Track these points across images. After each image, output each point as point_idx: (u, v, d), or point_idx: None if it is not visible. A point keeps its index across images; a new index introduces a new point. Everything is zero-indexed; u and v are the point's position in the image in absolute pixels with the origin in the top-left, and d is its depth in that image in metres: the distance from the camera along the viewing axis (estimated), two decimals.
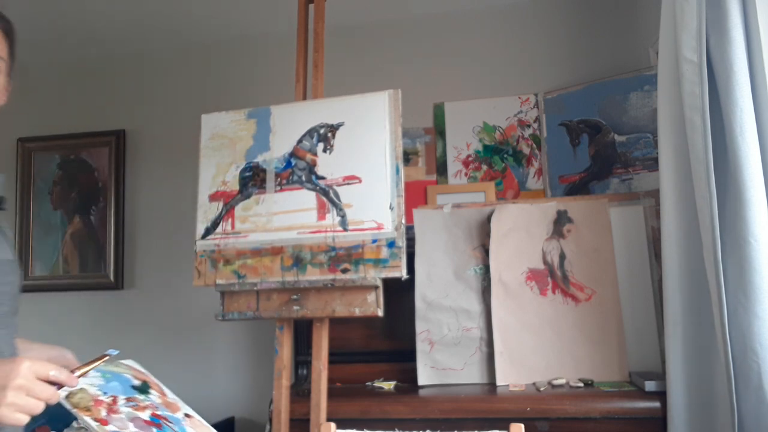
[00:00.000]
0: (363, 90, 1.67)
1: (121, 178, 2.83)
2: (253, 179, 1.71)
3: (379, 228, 1.56)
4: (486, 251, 1.89)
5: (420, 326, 1.87)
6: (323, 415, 1.58)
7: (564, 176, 2.41)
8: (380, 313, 1.55)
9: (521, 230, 1.89)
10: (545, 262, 1.86)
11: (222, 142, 1.76)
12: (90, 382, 1.02)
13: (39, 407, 0.87)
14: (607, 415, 1.57)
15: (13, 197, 2.89)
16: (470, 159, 2.52)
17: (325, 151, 1.66)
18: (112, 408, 1.00)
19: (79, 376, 0.97)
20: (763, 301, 1.27)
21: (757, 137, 1.29)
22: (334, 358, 1.85)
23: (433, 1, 2.58)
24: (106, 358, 1.07)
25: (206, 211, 1.73)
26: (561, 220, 1.89)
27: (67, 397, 0.96)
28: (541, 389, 1.67)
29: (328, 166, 1.64)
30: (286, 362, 1.65)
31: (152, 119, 2.85)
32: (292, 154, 1.68)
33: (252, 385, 2.57)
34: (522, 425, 1.22)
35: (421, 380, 1.82)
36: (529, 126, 2.50)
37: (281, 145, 1.70)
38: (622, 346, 1.75)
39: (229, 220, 1.68)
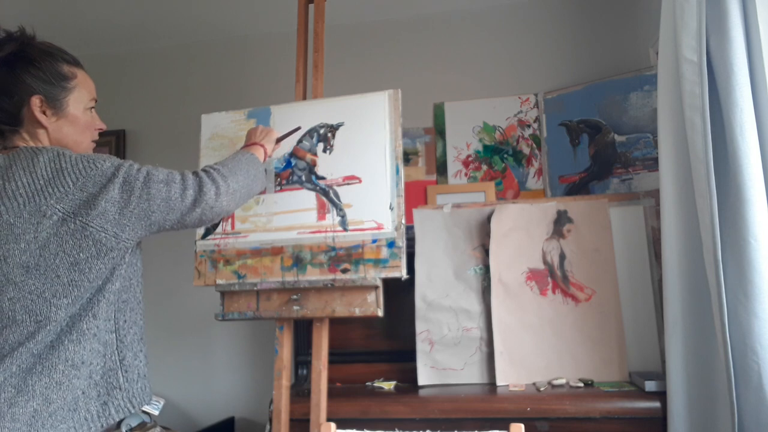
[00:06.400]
0: (363, 90, 1.67)
1: None
2: None
3: (379, 228, 1.56)
4: (486, 251, 1.89)
5: (420, 326, 1.87)
6: (323, 415, 1.58)
7: (564, 176, 2.41)
8: (380, 313, 1.55)
9: (521, 230, 1.89)
10: (545, 262, 1.86)
11: (222, 142, 1.76)
12: None
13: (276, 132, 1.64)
14: (607, 415, 1.57)
15: None
16: (470, 159, 2.52)
17: (325, 151, 1.66)
18: None
19: (278, 139, 1.65)
20: (763, 301, 1.27)
21: (757, 137, 1.29)
22: (334, 358, 1.86)
23: (433, 1, 2.58)
24: (298, 129, 1.66)
25: None
26: (561, 220, 1.89)
27: None
28: (541, 389, 1.67)
29: (328, 166, 1.64)
30: (286, 362, 1.65)
31: (152, 119, 2.85)
32: (292, 154, 1.68)
33: (252, 385, 2.57)
34: (522, 425, 1.23)
35: (421, 380, 1.82)
36: (529, 126, 2.50)
37: (281, 145, 1.70)
38: (622, 346, 1.75)
39: (229, 220, 1.68)
